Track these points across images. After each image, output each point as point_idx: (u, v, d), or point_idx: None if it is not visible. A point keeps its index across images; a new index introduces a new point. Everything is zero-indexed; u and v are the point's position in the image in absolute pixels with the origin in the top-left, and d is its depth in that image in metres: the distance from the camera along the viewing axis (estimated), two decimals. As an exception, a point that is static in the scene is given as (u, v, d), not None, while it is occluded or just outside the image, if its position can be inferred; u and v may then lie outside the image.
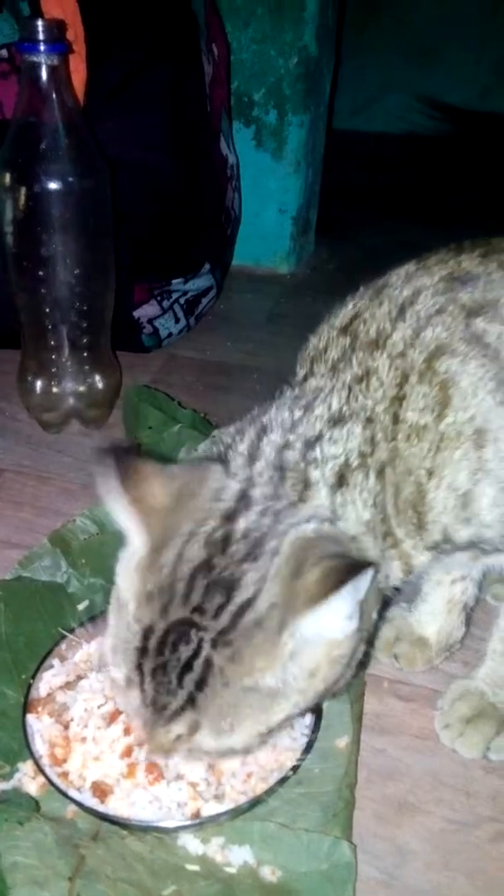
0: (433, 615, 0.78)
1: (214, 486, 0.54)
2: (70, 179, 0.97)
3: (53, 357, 1.11)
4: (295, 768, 0.63)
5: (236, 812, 0.61)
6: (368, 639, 0.59)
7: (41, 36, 0.91)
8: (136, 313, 1.31)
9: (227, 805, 0.61)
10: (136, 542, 0.54)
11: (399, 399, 0.56)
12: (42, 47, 0.91)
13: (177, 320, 1.37)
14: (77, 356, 1.12)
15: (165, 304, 1.35)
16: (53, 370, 1.12)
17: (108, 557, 0.85)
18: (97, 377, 1.15)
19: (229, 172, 1.43)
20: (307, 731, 0.66)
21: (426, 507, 0.56)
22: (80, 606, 0.82)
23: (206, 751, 0.54)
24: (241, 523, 0.52)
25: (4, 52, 1.09)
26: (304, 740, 0.65)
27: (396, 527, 0.57)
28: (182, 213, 1.29)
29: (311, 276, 1.78)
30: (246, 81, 1.58)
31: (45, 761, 0.64)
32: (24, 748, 0.65)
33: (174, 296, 1.36)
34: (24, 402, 1.16)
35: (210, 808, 0.61)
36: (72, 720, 0.67)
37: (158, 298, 1.34)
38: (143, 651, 0.52)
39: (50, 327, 1.08)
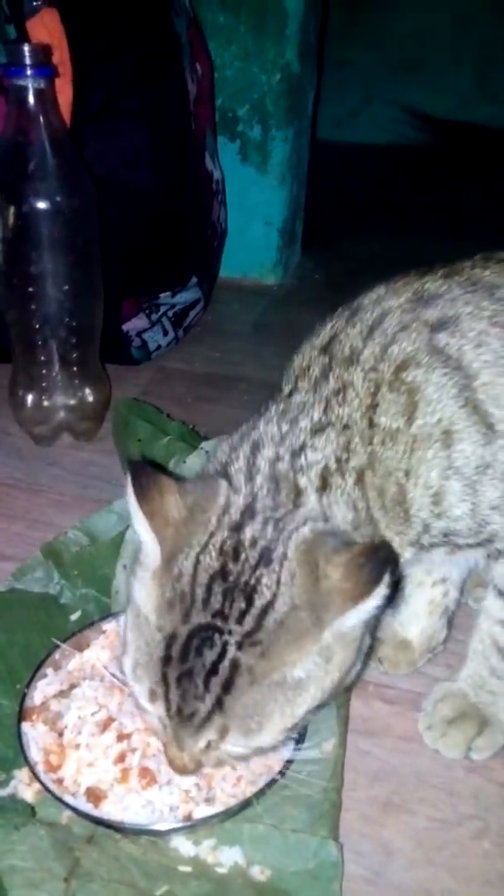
0: (415, 617, 0.81)
1: (222, 502, 0.59)
2: (58, 199, 0.99)
3: (44, 371, 1.13)
4: (283, 772, 0.65)
5: (227, 814, 0.63)
6: (371, 630, 0.62)
7: (28, 60, 0.93)
8: (124, 327, 1.34)
9: (217, 808, 0.63)
10: (152, 554, 0.58)
11: (373, 407, 0.61)
12: (29, 71, 0.93)
13: (165, 333, 1.40)
14: (67, 370, 1.14)
15: (154, 317, 1.37)
16: (44, 384, 1.14)
17: (99, 569, 0.88)
18: (87, 390, 1.17)
19: (215, 187, 1.46)
20: (295, 736, 0.68)
21: (408, 503, 0.61)
22: (73, 617, 0.84)
23: (234, 755, 0.58)
24: (248, 533, 0.57)
25: (-9, 75, 1.11)
26: (292, 744, 0.67)
27: (385, 528, 0.62)
28: (169, 229, 1.31)
29: (298, 287, 1.81)
30: (230, 98, 1.61)
31: (40, 768, 0.66)
32: (20, 756, 0.67)
33: (162, 309, 1.38)
34: (15, 415, 1.17)
35: (201, 811, 0.63)
36: (66, 728, 0.68)
37: (147, 312, 1.36)
38: (167, 660, 0.55)
39: (40, 342, 1.11)
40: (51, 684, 0.73)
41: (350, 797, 0.68)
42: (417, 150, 2.84)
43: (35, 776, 0.65)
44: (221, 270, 1.62)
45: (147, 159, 1.24)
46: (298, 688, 0.55)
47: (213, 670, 0.54)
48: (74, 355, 1.13)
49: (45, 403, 1.16)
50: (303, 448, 0.60)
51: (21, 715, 0.70)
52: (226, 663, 0.54)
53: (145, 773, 0.64)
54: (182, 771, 0.59)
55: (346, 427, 0.60)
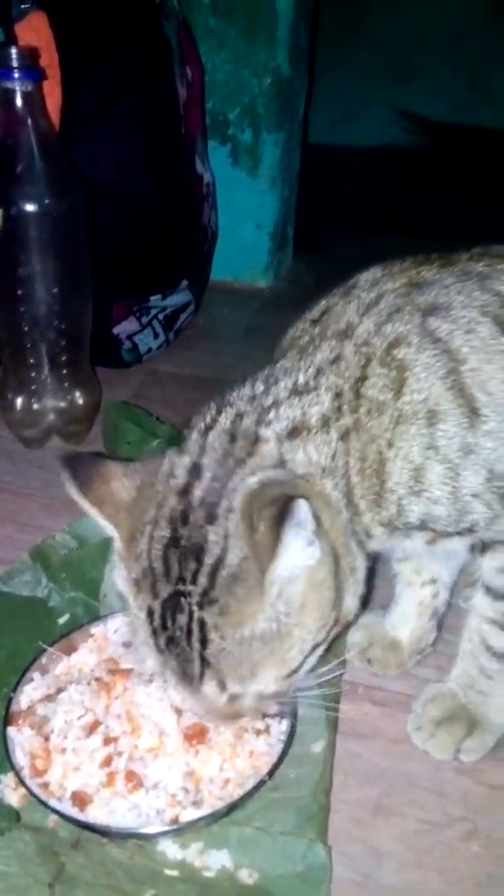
0: (405, 618, 0.81)
1: (167, 469, 0.59)
2: (46, 201, 0.99)
3: (33, 374, 1.13)
4: (271, 773, 0.65)
5: (214, 817, 0.62)
6: (360, 576, 0.62)
7: (15, 63, 0.93)
8: (115, 330, 1.33)
9: (205, 811, 0.62)
10: (115, 540, 0.60)
11: (362, 379, 0.62)
12: (16, 74, 0.93)
13: (156, 336, 1.39)
14: (57, 373, 1.14)
15: (144, 319, 1.37)
16: (33, 387, 1.14)
17: (87, 572, 0.88)
18: (77, 393, 1.17)
19: (205, 190, 1.46)
20: (283, 738, 0.68)
21: (385, 475, 0.62)
22: (61, 620, 0.84)
23: (252, 699, 0.58)
24: (197, 493, 0.57)
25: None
26: (281, 746, 0.67)
27: (359, 498, 0.62)
28: (159, 233, 1.31)
29: (289, 290, 1.81)
30: (221, 101, 1.62)
31: (25, 773, 0.65)
32: (5, 760, 0.66)
33: (153, 312, 1.38)
34: (4, 418, 1.17)
35: (188, 815, 0.62)
36: (52, 732, 0.68)
37: (137, 315, 1.36)
38: (154, 633, 0.57)
39: (29, 345, 1.10)
40: (37, 688, 0.72)
41: (339, 799, 0.68)
42: (412, 152, 2.85)
43: (20, 781, 0.65)
44: (213, 274, 1.62)
45: (137, 162, 1.24)
46: (279, 636, 0.55)
47: (189, 631, 0.55)
48: (64, 358, 1.13)
49: (35, 406, 1.15)
50: (275, 405, 0.61)
51: (7, 719, 0.69)
52: (195, 624, 0.55)
53: (132, 776, 0.64)
54: (222, 720, 0.61)
55: (338, 395, 0.61)
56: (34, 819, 0.64)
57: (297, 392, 0.62)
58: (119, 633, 0.78)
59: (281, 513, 0.52)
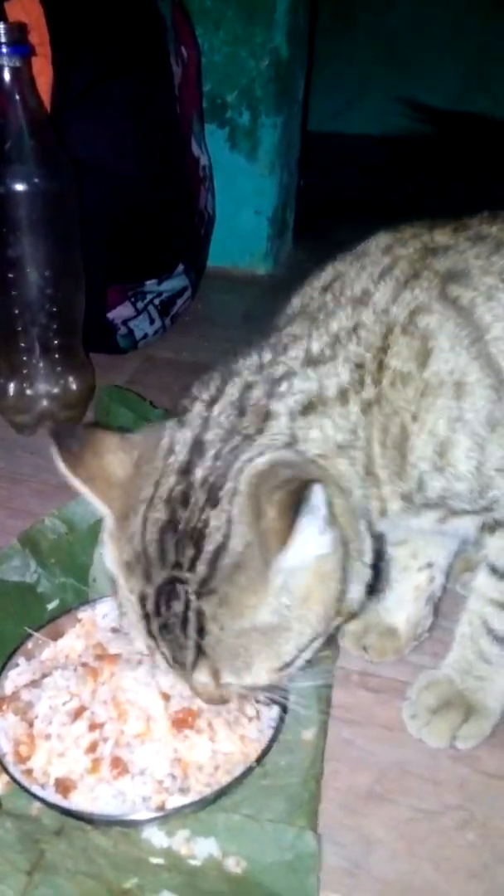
0: (401, 603, 0.79)
1: (167, 444, 0.56)
2: (35, 180, 0.98)
3: (25, 359, 1.11)
4: (260, 759, 0.63)
5: (201, 804, 0.61)
6: (367, 563, 0.59)
7: (3, 38, 0.91)
8: (110, 315, 1.32)
9: (192, 797, 0.61)
10: (106, 518, 0.56)
11: (384, 349, 0.59)
12: (3, 49, 0.91)
13: (151, 321, 1.38)
14: (49, 358, 1.12)
15: (139, 305, 1.35)
16: (26, 372, 1.12)
17: (77, 557, 0.86)
18: (70, 379, 1.15)
19: (202, 173, 1.44)
20: (273, 723, 0.66)
21: (408, 449, 0.59)
22: (50, 606, 0.82)
23: (247, 688, 0.56)
24: (198, 473, 0.53)
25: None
26: (271, 732, 0.65)
27: (380, 468, 0.59)
28: (154, 215, 1.29)
29: (289, 277, 1.78)
30: (218, 84, 1.59)
31: (9, 759, 0.64)
32: (-11, 747, 0.65)
33: (148, 297, 1.36)
34: (-4, 404, 1.16)
35: (175, 801, 0.61)
36: (36, 717, 0.66)
37: (132, 300, 1.34)
38: (146, 617, 0.54)
39: (20, 329, 1.09)
40: (22, 674, 0.71)
41: (330, 787, 0.66)
42: (413, 140, 2.82)
43: (3, 767, 0.63)
44: (211, 260, 1.60)
45: (131, 143, 1.22)
46: (277, 629, 0.53)
47: (185, 619, 0.53)
48: (56, 342, 1.11)
49: (28, 392, 1.14)
50: (287, 376, 0.57)
51: (-9, 705, 0.68)
52: (192, 613, 0.52)
53: (117, 762, 0.62)
54: (210, 703, 0.59)
55: (359, 365, 0.58)
56: (17, 806, 0.63)
57: (311, 362, 0.58)
58: (107, 618, 0.76)
59: (295, 497, 0.48)
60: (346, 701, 0.75)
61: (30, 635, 0.74)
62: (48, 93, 1.11)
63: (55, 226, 1.02)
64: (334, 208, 2.20)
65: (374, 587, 0.65)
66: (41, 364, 1.12)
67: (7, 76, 0.93)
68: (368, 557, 0.59)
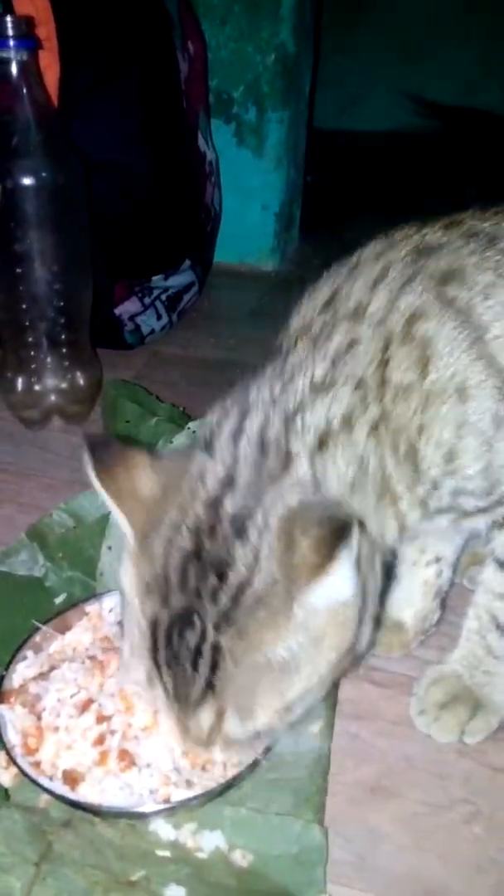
0: (409, 598, 0.78)
1: (197, 473, 0.55)
2: (43, 175, 0.98)
3: (33, 354, 1.12)
4: (266, 752, 0.63)
5: (208, 797, 0.61)
6: (377, 602, 0.59)
7: (10, 32, 0.91)
8: (117, 310, 1.32)
9: (198, 790, 0.61)
10: (127, 535, 0.56)
11: (384, 363, 0.58)
12: (11, 43, 0.92)
13: (158, 317, 1.38)
14: (57, 353, 1.12)
15: (147, 300, 1.35)
16: (33, 367, 1.13)
17: (85, 550, 0.86)
18: (78, 374, 1.15)
19: (208, 169, 1.44)
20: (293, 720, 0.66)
21: (419, 460, 0.58)
22: (58, 600, 0.82)
23: (235, 738, 0.55)
24: (228, 507, 0.53)
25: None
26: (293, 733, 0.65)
27: (397, 483, 0.59)
28: (160, 210, 1.29)
29: (296, 273, 1.78)
30: (224, 79, 1.59)
31: (17, 751, 0.64)
32: (-3, 739, 0.65)
33: (155, 292, 1.36)
34: (4, 399, 1.16)
35: (182, 794, 0.61)
36: (44, 710, 0.67)
37: (139, 295, 1.34)
38: (154, 645, 0.53)
39: (28, 324, 1.09)
40: (30, 666, 0.71)
41: (337, 781, 0.66)
42: (421, 136, 2.80)
43: (11, 759, 0.63)
44: (217, 256, 1.60)
45: (138, 138, 1.22)
46: (287, 668, 0.53)
47: (198, 652, 0.52)
48: (64, 337, 1.11)
49: (36, 387, 1.14)
50: (299, 410, 0.57)
51: (-1, 697, 0.68)
52: (207, 646, 0.52)
53: (124, 755, 0.62)
54: (190, 746, 0.57)
55: (358, 385, 0.57)
56: (25, 798, 0.63)
57: (315, 390, 0.57)
58: (114, 611, 0.76)
59: (335, 535, 0.48)
60: (353, 695, 0.75)
61: (38, 628, 0.74)
62: (55, 87, 1.11)
63: (63, 221, 1.02)
64: (341, 204, 2.20)
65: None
66: (49, 359, 1.13)
67: (14, 70, 0.94)
68: (378, 590, 0.59)
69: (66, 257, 1.05)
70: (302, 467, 0.55)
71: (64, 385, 1.15)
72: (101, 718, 0.65)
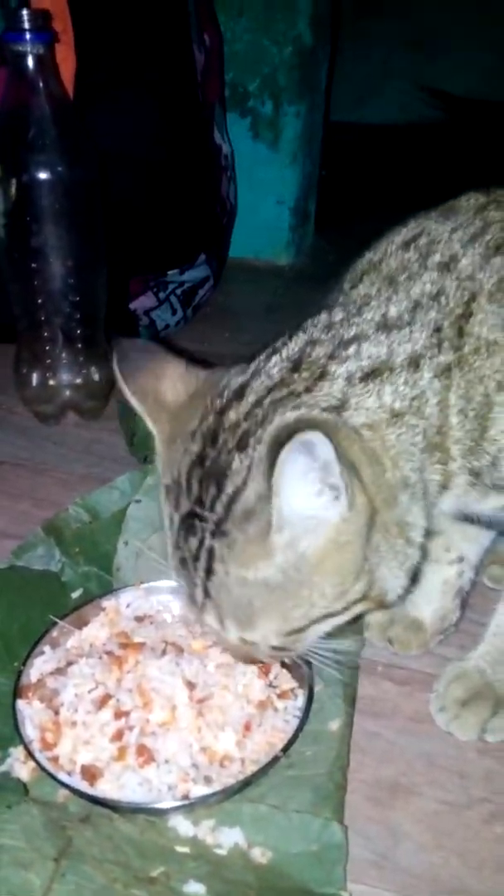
0: (428, 597, 0.78)
1: (221, 384, 0.56)
2: (59, 169, 0.97)
3: (48, 349, 1.12)
4: (286, 749, 0.63)
5: (227, 793, 0.61)
6: (415, 533, 0.57)
7: (26, 25, 0.91)
8: (132, 305, 1.31)
9: (217, 787, 0.61)
10: (155, 439, 0.59)
11: (465, 316, 0.57)
12: (27, 36, 0.91)
13: (173, 312, 1.37)
14: (72, 348, 1.12)
15: (161, 295, 1.35)
16: (49, 362, 1.12)
17: (101, 545, 0.86)
18: (93, 369, 1.15)
19: (223, 162, 1.43)
20: (298, 714, 0.66)
21: (490, 420, 0.57)
22: (74, 595, 0.82)
23: (258, 644, 0.55)
24: (231, 415, 0.54)
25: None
26: (296, 722, 0.65)
27: (453, 442, 0.57)
28: (175, 205, 1.29)
29: (311, 267, 1.77)
30: (240, 72, 1.58)
31: (35, 746, 0.64)
32: (15, 734, 0.65)
33: (170, 287, 1.36)
34: (20, 394, 1.16)
35: (200, 791, 0.60)
36: (62, 705, 0.66)
37: (154, 290, 1.34)
38: (175, 545, 0.56)
39: (44, 319, 1.09)
40: (48, 661, 0.71)
41: (356, 778, 0.66)
42: (437, 129, 2.78)
43: (30, 754, 0.63)
44: (233, 250, 1.59)
45: (153, 131, 1.22)
46: (285, 590, 0.52)
47: (197, 556, 0.53)
48: (79, 332, 1.11)
49: (51, 382, 1.14)
50: (358, 339, 0.56)
51: (17, 692, 0.68)
52: (204, 550, 0.53)
53: (143, 750, 0.62)
54: (237, 658, 0.61)
55: (437, 331, 0.57)
56: (44, 793, 0.63)
57: (385, 326, 0.57)
58: (131, 607, 0.76)
59: (283, 434, 0.47)
60: (372, 693, 0.74)
61: (55, 624, 0.74)
62: (71, 81, 1.11)
63: (78, 215, 1.02)
64: (356, 198, 2.18)
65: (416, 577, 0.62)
66: (64, 354, 1.12)
67: (31, 63, 0.93)
68: (417, 534, 0.56)
69: (82, 252, 1.05)
70: (332, 387, 0.54)
71: (79, 380, 1.15)
72: (119, 714, 0.65)
